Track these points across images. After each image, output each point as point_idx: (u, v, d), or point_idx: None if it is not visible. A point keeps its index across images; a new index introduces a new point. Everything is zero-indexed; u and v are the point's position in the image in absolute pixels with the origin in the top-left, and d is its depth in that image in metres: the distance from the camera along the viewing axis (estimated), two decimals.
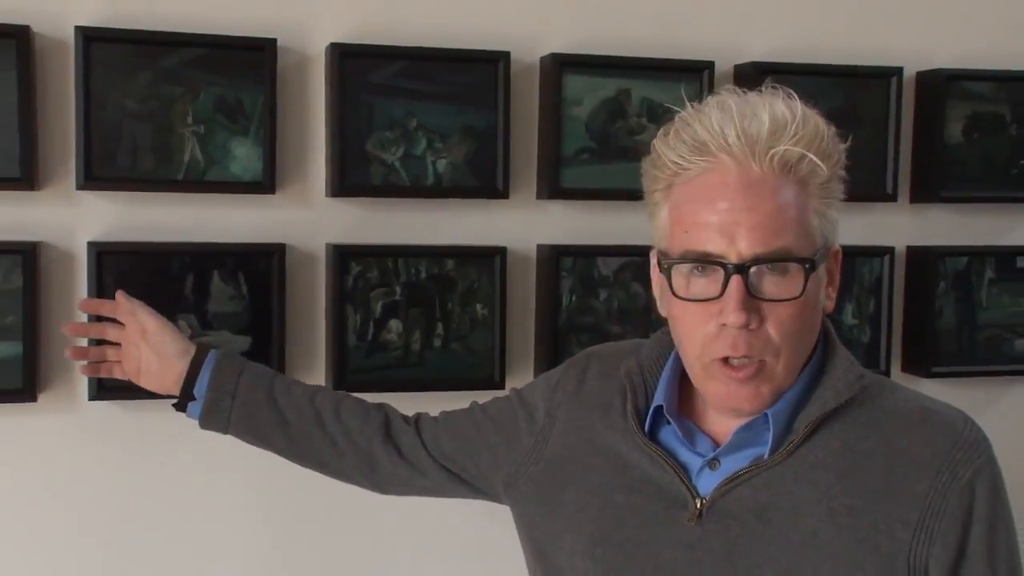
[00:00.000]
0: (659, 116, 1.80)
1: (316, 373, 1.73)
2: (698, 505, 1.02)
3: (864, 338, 1.91)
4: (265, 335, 1.69)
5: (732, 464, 1.02)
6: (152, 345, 1.31)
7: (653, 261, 1.05)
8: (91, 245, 1.62)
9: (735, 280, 0.97)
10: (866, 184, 1.82)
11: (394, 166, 1.73)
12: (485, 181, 1.76)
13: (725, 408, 1.03)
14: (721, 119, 0.98)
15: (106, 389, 1.62)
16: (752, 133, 0.97)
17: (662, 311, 1.05)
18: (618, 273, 1.78)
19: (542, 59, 1.79)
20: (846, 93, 1.85)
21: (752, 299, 0.97)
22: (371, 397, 1.62)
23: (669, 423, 1.06)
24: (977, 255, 1.97)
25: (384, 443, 1.30)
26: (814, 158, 0.98)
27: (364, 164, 1.71)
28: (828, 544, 0.97)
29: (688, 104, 1.02)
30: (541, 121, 1.80)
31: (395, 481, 1.32)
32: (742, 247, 0.97)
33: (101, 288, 1.63)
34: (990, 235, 2.00)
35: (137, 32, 1.60)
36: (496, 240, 1.79)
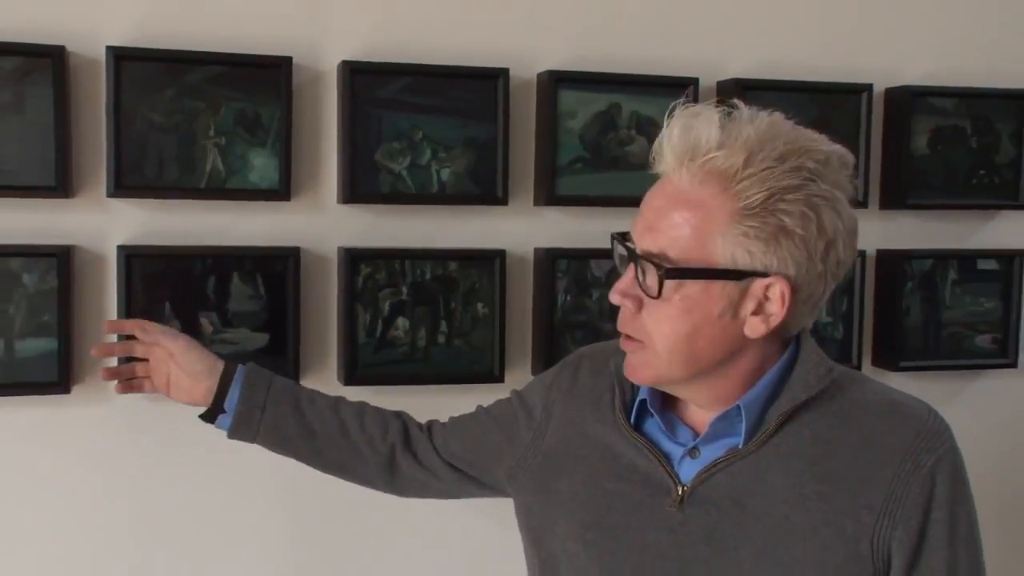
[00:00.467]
0: (647, 128, 1.81)
1: (328, 368, 1.75)
2: (680, 492, 1.03)
3: (837, 335, 1.93)
4: (281, 332, 1.70)
5: (711, 453, 1.04)
6: (180, 365, 1.30)
7: None
8: (120, 249, 1.64)
9: (628, 266, 1.01)
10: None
11: (401, 175, 1.74)
12: (486, 189, 1.77)
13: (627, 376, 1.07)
14: (668, 131, 0.99)
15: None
16: (677, 146, 0.98)
17: None
18: (610, 275, 1.77)
19: (539, 75, 1.80)
20: (820, 108, 1.86)
21: (636, 286, 1.00)
22: (379, 390, 1.72)
23: (653, 415, 1.08)
24: (941, 258, 1.99)
25: (404, 450, 1.32)
26: (709, 187, 0.96)
27: (373, 173, 1.72)
28: (799, 527, 0.99)
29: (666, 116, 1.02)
30: (538, 133, 1.81)
31: (413, 485, 1.34)
32: (638, 240, 1.01)
33: (130, 289, 1.64)
34: (953, 240, 2.02)
35: (163, 51, 1.62)
36: (496, 244, 1.80)
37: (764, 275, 0.97)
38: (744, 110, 1.00)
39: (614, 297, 1.02)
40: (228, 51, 1.65)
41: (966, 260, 2.01)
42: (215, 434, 1.67)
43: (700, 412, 1.06)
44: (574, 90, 1.78)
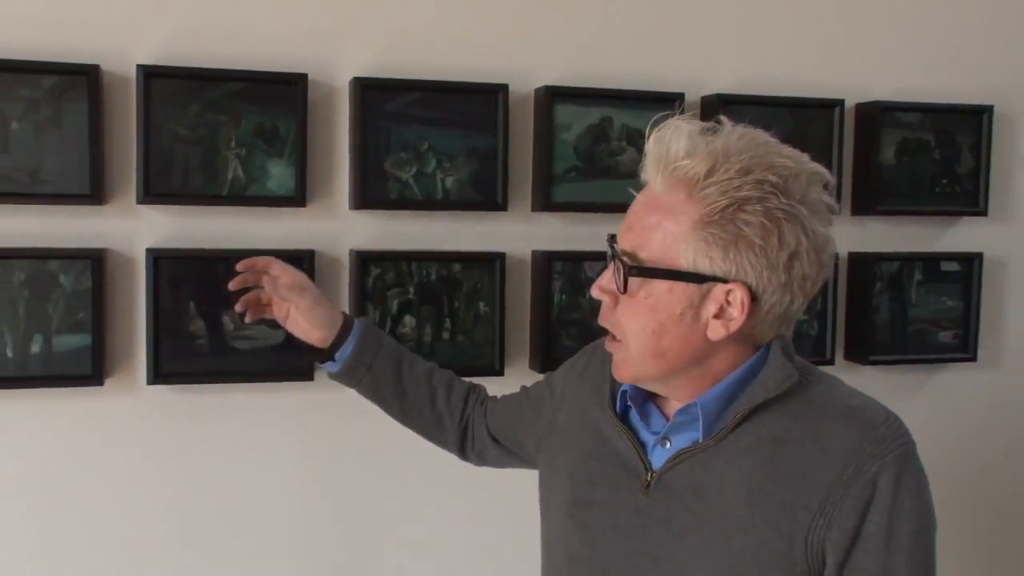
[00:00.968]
0: (637, 140, 1.81)
1: None
2: (648, 477, 1.04)
3: (812, 331, 1.96)
4: None
5: (679, 443, 1.04)
6: (303, 314, 1.31)
7: None
8: (149, 251, 1.65)
9: (610, 263, 1.02)
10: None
11: (408, 183, 1.75)
12: (487, 196, 1.78)
13: None
14: (652, 137, 1.00)
15: (161, 375, 1.66)
16: (653, 154, 0.99)
17: None
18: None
19: (536, 91, 1.82)
20: (796, 121, 1.88)
21: (613, 280, 1.01)
22: None
23: (641, 405, 1.09)
24: (907, 260, 2.01)
25: (478, 424, 1.37)
26: (677, 194, 0.96)
27: (382, 181, 1.73)
28: (741, 520, 0.98)
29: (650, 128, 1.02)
30: (535, 144, 1.82)
31: (476, 454, 1.39)
32: (619, 240, 1.02)
33: (158, 288, 1.65)
34: (918, 243, 2.04)
35: (189, 69, 1.64)
36: (496, 247, 1.82)
37: (724, 280, 0.97)
38: (727, 125, 0.99)
39: (594, 291, 1.04)
40: (248, 68, 1.67)
41: (930, 262, 2.03)
42: (233, 423, 1.73)
43: (672, 404, 1.07)
44: (569, 104, 1.80)
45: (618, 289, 1.00)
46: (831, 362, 1.97)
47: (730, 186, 0.95)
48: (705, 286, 0.97)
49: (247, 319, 1.36)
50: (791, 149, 1.00)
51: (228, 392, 1.74)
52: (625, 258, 0.99)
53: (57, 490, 1.69)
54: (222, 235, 1.70)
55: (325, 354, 1.34)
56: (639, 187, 1.03)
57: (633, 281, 0.99)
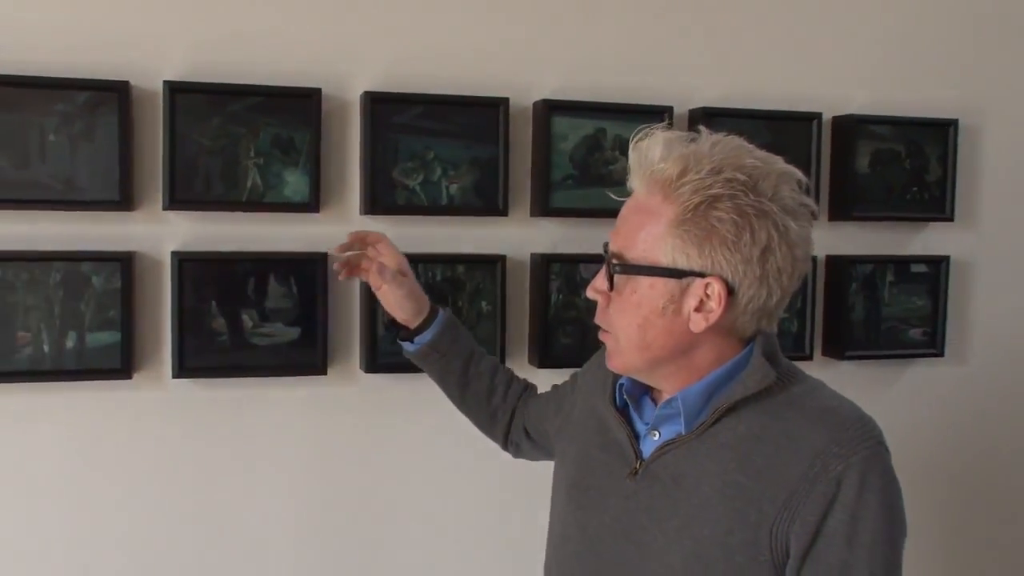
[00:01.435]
0: (629, 150, 1.87)
1: (352, 357, 1.79)
2: (637, 465, 1.06)
3: (793, 328, 1.99)
4: (311, 326, 1.74)
5: (666, 435, 1.06)
6: (395, 298, 1.38)
7: None
8: (174, 254, 1.68)
9: (603, 266, 1.04)
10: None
11: (415, 190, 1.77)
12: (488, 202, 1.80)
13: None
14: (633, 146, 1.02)
15: (185, 369, 1.69)
16: (633, 161, 1.02)
17: None
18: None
19: (535, 104, 1.84)
20: (776, 133, 1.90)
21: (605, 282, 1.03)
22: (396, 377, 1.76)
23: (639, 398, 1.11)
24: (880, 263, 2.03)
25: (517, 418, 1.41)
26: (656, 196, 0.98)
27: (391, 188, 1.76)
28: (713, 510, 0.99)
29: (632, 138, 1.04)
30: (534, 154, 1.84)
31: (514, 446, 1.44)
32: (610, 244, 1.04)
33: (182, 288, 1.68)
34: (890, 247, 2.07)
35: (211, 85, 1.66)
36: (497, 249, 1.84)
37: (701, 275, 0.98)
38: (704, 133, 1.01)
39: (588, 292, 1.06)
40: (266, 84, 1.69)
41: (901, 264, 2.05)
42: (255, 414, 1.76)
43: (663, 397, 1.08)
44: (565, 116, 1.82)
45: (605, 287, 1.03)
46: (810, 357, 2.01)
47: (702, 185, 0.96)
48: (684, 281, 0.99)
49: (340, 277, 1.42)
50: (765, 152, 1.01)
51: (247, 385, 1.77)
52: (613, 259, 1.02)
53: (90, 474, 1.72)
54: (242, 239, 1.73)
55: (407, 333, 1.41)
56: (620, 193, 1.06)
57: (619, 279, 1.01)
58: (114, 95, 1.62)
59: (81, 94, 1.61)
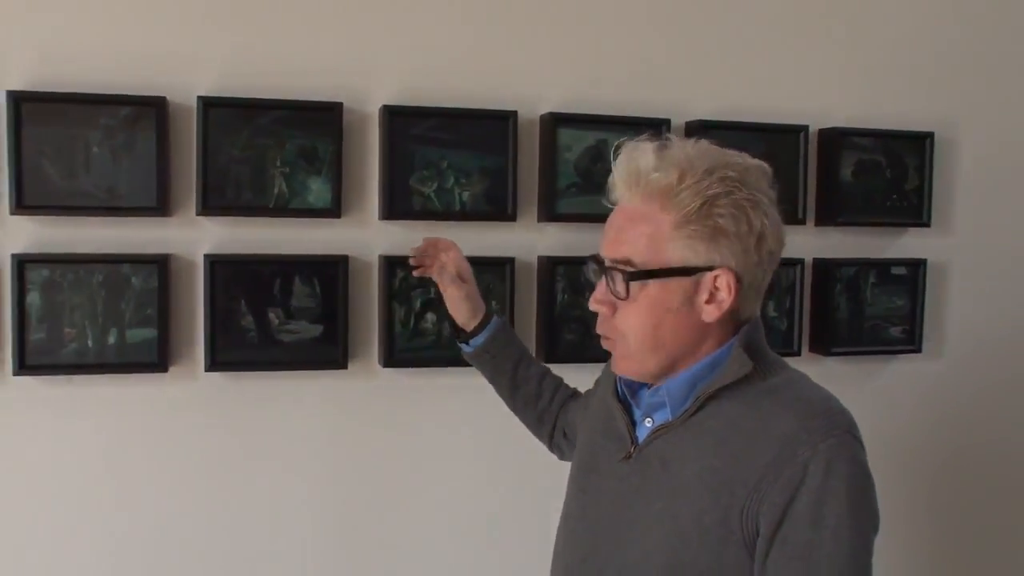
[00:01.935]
0: (613, 165, 1.80)
1: (371, 353, 1.83)
2: (632, 450, 1.08)
3: (782, 326, 2.03)
4: (333, 324, 1.77)
5: (658, 421, 1.08)
6: (452, 300, 1.45)
7: None
8: (207, 257, 1.72)
9: (601, 278, 1.05)
10: (781, 212, 1.75)
11: (430, 196, 1.80)
12: (498, 208, 1.83)
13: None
14: (615, 166, 1.03)
15: (217, 363, 1.73)
16: (624, 175, 1.03)
17: None
18: None
19: (542, 116, 1.87)
20: (767, 144, 1.92)
21: (608, 292, 1.05)
22: (412, 371, 1.80)
23: (641, 387, 1.12)
24: (863, 265, 2.06)
25: (559, 421, 1.44)
26: (654, 203, 0.99)
27: (407, 195, 1.79)
28: (691, 491, 1.01)
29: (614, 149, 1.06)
30: (541, 163, 1.87)
31: (556, 446, 1.47)
32: (606, 255, 1.05)
33: (214, 288, 1.72)
34: (872, 251, 2.10)
35: (241, 99, 1.70)
36: (506, 252, 1.86)
37: (711, 269, 1.00)
38: (675, 140, 1.03)
39: (592, 305, 1.06)
40: (291, 99, 1.73)
41: (882, 267, 2.08)
42: (281, 405, 1.78)
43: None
44: (570, 128, 1.85)
45: (618, 296, 1.03)
46: (798, 353, 2.05)
47: (701, 187, 0.99)
48: (696, 277, 1.01)
49: (414, 274, 1.51)
50: (733, 150, 1.04)
51: (273, 378, 1.81)
52: (620, 267, 1.02)
53: (129, 460, 1.77)
54: (269, 242, 1.77)
55: (464, 335, 1.48)
56: (613, 201, 1.07)
57: (634, 285, 1.02)
58: (152, 110, 1.67)
59: (122, 109, 1.67)
